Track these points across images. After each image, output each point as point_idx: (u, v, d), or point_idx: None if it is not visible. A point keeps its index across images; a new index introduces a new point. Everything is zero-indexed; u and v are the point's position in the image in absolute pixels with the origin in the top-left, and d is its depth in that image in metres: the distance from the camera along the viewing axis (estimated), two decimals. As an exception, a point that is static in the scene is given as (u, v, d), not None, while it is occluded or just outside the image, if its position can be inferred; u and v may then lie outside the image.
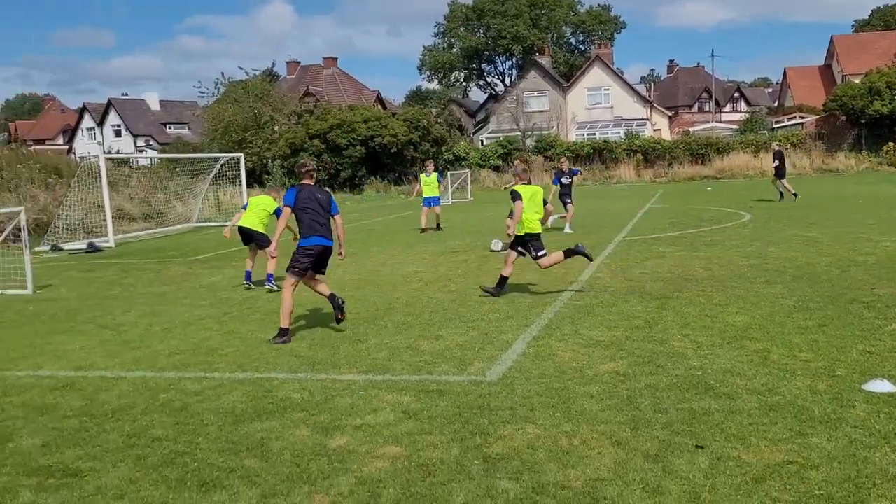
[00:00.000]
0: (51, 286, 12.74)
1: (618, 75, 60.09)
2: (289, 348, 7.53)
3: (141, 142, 72.55)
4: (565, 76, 64.84)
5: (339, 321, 8.23)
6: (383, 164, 42.34)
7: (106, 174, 19.99)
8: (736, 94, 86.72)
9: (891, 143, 40.13)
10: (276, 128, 44.24)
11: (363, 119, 41.55)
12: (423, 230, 19.17)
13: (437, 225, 19.80)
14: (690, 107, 79.55)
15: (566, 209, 17.54)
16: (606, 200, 28.12)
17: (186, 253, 17.48)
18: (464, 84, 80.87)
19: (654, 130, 56.17)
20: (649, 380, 5.88)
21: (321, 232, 8.04)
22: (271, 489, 4.28)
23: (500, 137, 50.34)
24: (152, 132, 74.01)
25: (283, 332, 7.85)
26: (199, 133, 54.62)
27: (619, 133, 51.17)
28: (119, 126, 74.70)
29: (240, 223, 11.75)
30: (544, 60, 61.58)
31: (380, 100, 64.07)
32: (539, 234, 9.96)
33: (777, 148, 24.68)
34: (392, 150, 41.45)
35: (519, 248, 9.97)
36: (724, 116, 74.20)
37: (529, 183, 10.16)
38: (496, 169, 44.38)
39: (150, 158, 42.72)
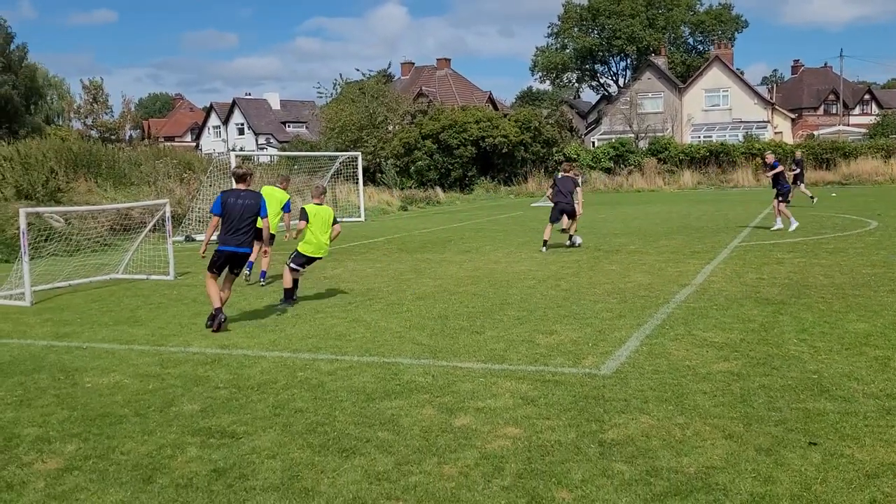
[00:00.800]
0: (190, 273, 13.79)
1: (737, 76, 58.33)
2: (410, 337, 8.01)
3: (262, 140, 75.84)
4: (682, 77, 63.40)
5: (208, 326, 8.66)
6: (493, 164, 42.76)
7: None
8: (866, 96, 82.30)
9: None
10: (391, 127, 45.40)
11: (475, 119, 42.09)
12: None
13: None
14: (815, 109, 76.17)
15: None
16: (723, 205, 27.53)
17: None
18: (576, 85, 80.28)
19: (776, 133, 54.18)
20: (763, 380, 6.00)
21: (239, 239, 8.73)
22: (404, 458, 4.72)
23: (612, 139, 49.83)
24: (273, 130, 77.27)
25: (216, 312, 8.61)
26: (317, 132, 56.67)
27: (737, 136, 49.69)
28: (242, 124, 78.37)
29: None
30: (660, 61, 60.47)
31: (491, 100, 64.55)
32: (320, 258, 10.46)
33: (799, 156, 28.04)
34: (503, 151, 41.81)
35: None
36: (853, 119, 70.68)
37: (321, 204, 10.37)
38: (608, 171, 43.98)
39: (271, 156, 44.77)
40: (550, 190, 15.88)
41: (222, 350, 7.74)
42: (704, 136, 52.65)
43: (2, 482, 4.59)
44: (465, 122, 41.82)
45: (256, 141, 75.52)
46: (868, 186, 36.67)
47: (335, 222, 10.44)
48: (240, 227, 8.77)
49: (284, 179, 13.10)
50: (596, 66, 76.64)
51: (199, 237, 20.63)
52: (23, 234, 11.16)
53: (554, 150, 44.70)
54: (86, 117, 50.61)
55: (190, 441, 5.16)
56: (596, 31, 72.02)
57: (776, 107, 58.62)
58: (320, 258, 10.69)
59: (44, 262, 14.12)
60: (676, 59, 68.82)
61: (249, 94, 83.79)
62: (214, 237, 8.96)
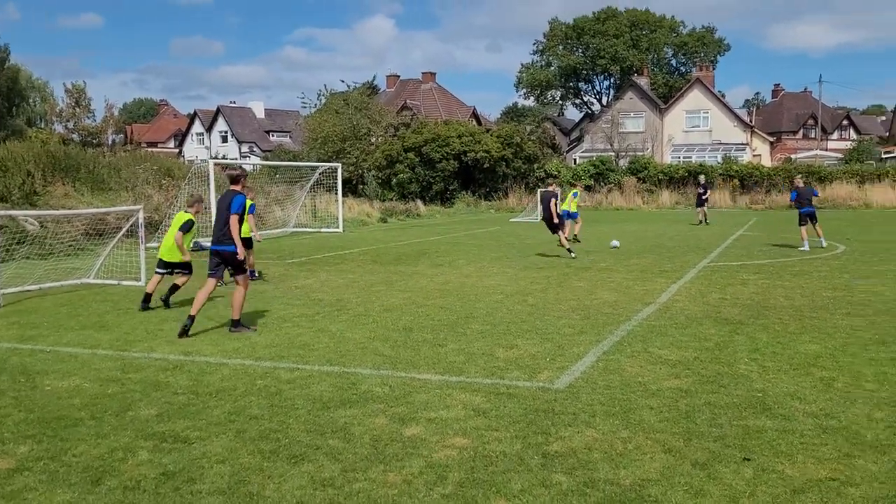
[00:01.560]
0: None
1: (718, 98, 59.10)
2: (373, 348, 8.13)
3: (245, 148, 75.80)
4: (663, 98, 64.15)
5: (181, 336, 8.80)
6: (475, 178, 43.03)
7: (214, 178, 21.31)
8: (845, 122, 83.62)
9: None
10: (374, 139, 45.59)
11: (457, 134, 42.38)
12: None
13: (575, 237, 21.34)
14: (795, 133, 77.25)
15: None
16: (698, 226, 27.87)
17: (283, 255, 18.49)
18: (560, 102, 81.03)
19: (754, 156, 54.90)
20: (710, 397, 6.17)
21: (216, 236, 8.97)
22: (351, 465, 4.83)
23: (593, 157, 50.30)
24: (256, 139, 77.23)
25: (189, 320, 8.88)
26: (300, 142, 56.74)
27: (716, 157, 50.32)
28: (226, 132, 78.29)
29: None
30: (643, 81, 61.18)
31: (475, 115, 64.94)
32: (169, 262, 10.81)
33: (703, 181, 30.40)
34: (484, 166, 42.10)
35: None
36: (831, 144, 71.78)
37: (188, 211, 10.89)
38: (588, 188, 44.41)
39: (254, 165, 44.78)
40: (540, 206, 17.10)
41: (185, 357, 7.81)
42: (684, 157, 53.26)
43: (-48, 481, 4.65)
44: (447, 136, 42.09)
45: (240, 149, 75.46)
46: (842, 211, 37.24)
47: (183, 229, 10.76)
48: (218, 226, 8.96)
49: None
50: (580, 85, 77.41)
51: (205, 242, 20.57)
52: (-7, 236, 11.18)
53: (535, 166, 45.07)
54: (67, 121, 50.37)
55: (142, 445, 5.24)
56: (580, 50, 72.83)
57: (755, 130, 59.43)
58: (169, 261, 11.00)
59: (15, 265, 14.10)
60: (659, 79, 69.66)
61: (234, 102, 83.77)
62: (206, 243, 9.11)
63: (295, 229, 26.88)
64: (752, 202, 41.55)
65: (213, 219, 9.24)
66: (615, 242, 19.24)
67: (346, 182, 35.74)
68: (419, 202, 39.26)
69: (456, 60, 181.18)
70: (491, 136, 43.82)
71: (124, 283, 13.38)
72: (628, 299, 11.10)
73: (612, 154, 50.53)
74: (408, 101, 60.50)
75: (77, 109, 50.00)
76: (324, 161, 37.10)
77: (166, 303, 10.92)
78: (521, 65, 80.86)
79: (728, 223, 28.74)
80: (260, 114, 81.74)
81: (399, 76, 69.92)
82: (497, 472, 4.70)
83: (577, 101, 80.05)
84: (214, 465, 4.86)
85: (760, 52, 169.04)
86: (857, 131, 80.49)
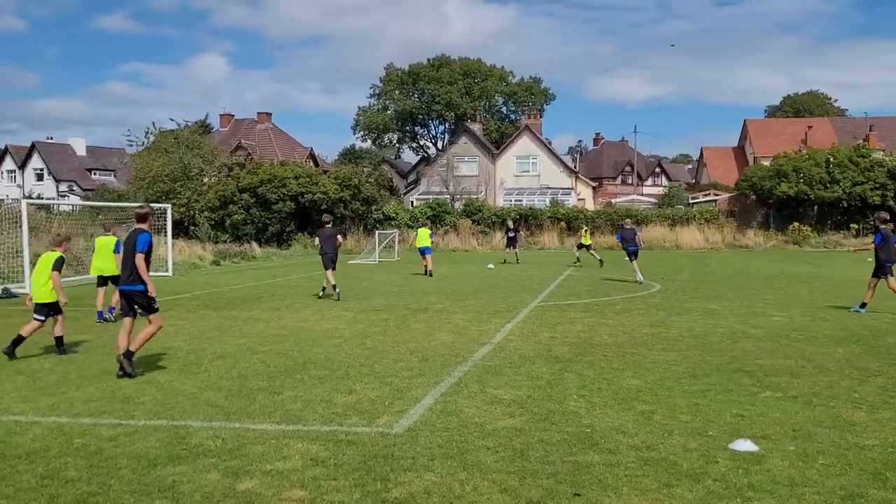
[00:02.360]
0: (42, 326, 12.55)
1: (545, 145, 62.29)
2: (205, 398, 7.77)
3: (64, 187, 70.97)
4: (496, 143, 66.80)
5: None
6: (312, 220, 42.63)
7: (27, 219, 19.75)
8: (657, 169, 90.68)
9: (795, 223, 42.68)
10: (206, 179, 44.14)
11: (294, 175, 41.93)
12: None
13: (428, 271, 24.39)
14: (614, 178, 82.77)
15: None
16: (529, 266, 29.03)
17: (106, 302, 17.32)
18: (396, 145, 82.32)
19: (579, 200, 58.17)
20: (542, 435, 6.39)
21: (123, 276, 9.08)
22: (180, 527, 4.57)
23: (429, 199, 51.35)
24: (76, 177, 72.59)
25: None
26: (126, 181, 53.91)
27: (544, 201, 52.86)
28: (42, 170, 73.10)
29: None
30: (475, 127, 63.43)
31: (312, 157, 64.58)
32: (43, 303, 10.31)
33: (511, 224, 33.98)
34: (322, 207, 41.85)
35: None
36: (646, 190, 77.41)
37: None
38: (424, 230, 45.22)
39: (73, 205, 41.99)
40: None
41: (-10, 416, 7.11)
42: (515, 200, 55.53)
43: None
44: (284, 176, 41.54)
45: (57, 188, 70.61)
46: (657, 252, 40.16)
47: (56, 267, 10.36)
48: (125, 264, 9.03)
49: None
50: (416, 129, 79.10)
51: (16, 289, 18.82)
52: None
53: (373, 208, 45.32)
54: None
55: (-63, 519, 4.69)
56: (416, 95, 74.56)
57: (579, 175, 63.06)
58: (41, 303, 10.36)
59: None
60: (491, 126, 72.53)
61: (52, 138, 78.42)
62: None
63: (119, 273, 25.33)
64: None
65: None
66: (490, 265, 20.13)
67: (176, 223, 34.28)
68: (254, 244, 38.31)
69: (291, 101, 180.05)
70: (329, 177, 43.71)
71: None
72: (465, 340, 11.34)
73: (448, 197, 51.81)
74: (242, 140, 59.26)
75: None
76: (152, 201, 35.46)
77: (10, 352, 10.06)
78: (359, 108, 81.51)
79: (556, 264, 30.17)
80: (81, 151, 77.02)
81: (233, 115, 68.42)
82: (336, 523, 4.61)
83: (414, 145, 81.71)
84: (23, 537, 4.43)
85: (582, 103, 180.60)
86: (668, 178, 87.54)
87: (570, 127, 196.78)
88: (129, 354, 8.89)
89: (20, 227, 19.71)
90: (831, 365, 9.29)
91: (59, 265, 10.39)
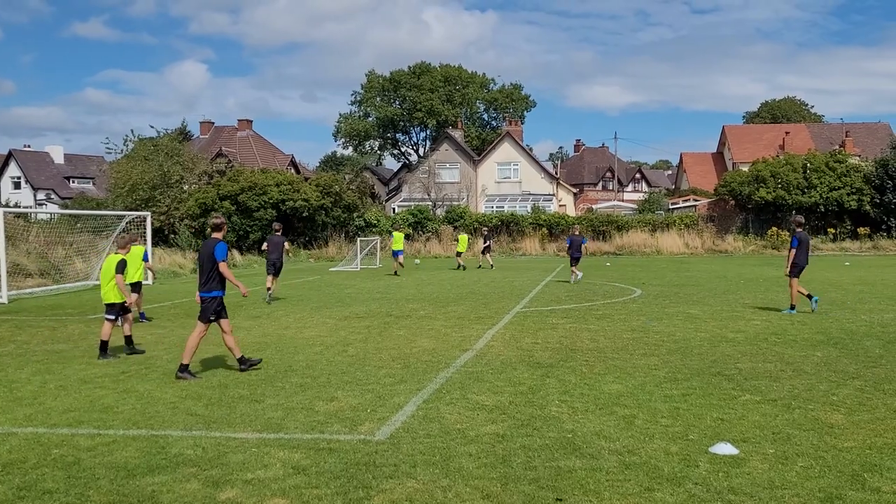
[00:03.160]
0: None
1: (526, 152, 62.49)
2: (185, 407, 7.71)
3: (42, 195, 70.31)
4: (477, 150, 66.92)
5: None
6: (294, 227, 42.46)
7: (3, 228, 19.53)
8: (638, 175, 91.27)
9: (774, 228, 43.07)
10: (186, 187, 43.84)
11: (275, 182, 41.76)
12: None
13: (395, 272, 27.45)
14: (595, 185, 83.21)
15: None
16: (511, 272, 29.08)
17: (85, 311, 17.20)
18: (378, 152, 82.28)
19: (560, 206, 58.40)
20: (525, 441, 6.39)
21: (202, 283, 9.57)
22: (160, 537, 4.52)
23: (411, 206, 51.33)
24: (54, 185, 71.92)
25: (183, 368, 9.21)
26: (105, 189, 53.47)
27: (526, 207, 53.03)
28: (19, 178, 72.33)
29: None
30: (457, 134, 63.54)
31: (294, 164, 64.38)
32: (111, 304, 11.03)
33: (486, 231, 35.30)
34: (304, 215, 41.71)
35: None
36: (627, 196, 77.89)
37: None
38: (407, 237, 45.13)
39: (51, 213, 41.58)
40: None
41: (-34, 428, 7.01)
42: (497, 206, 55.67)
43: None
44: (265, 184, 41.36)
45: (35, 196, 69.89)
46: (637, 257, 40.38)
47: (119, 270, 10.99)
48: (201, 273, 9.61)
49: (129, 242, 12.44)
50: (397, 136, 79.11)
51: None
52: None
53: (355, 215, 45.22)
54: None
55: (-90, 533, 4.62)
56: (397, 102, 74.63)
57: (560, 182, 63.33)
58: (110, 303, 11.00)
59: None
60: (472, 132, 72.69)
61: (29, 146, 77.67)
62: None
63: (98, 282, 25.10)
64: (560, 249, 44.01)
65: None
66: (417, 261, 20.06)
67: (156, 232, 34.04)
68: (235, 252, 38.08)
69: (272, 108, 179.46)
70: (310, 184, 43.56)
71: None
72: (447, 346, 11.33)
73: (430, 203, 51.82)
74: (223, 148, 58.94)
75: None
76: (131, 209, 35.21)
77: (104, 355, 10.68)
78: (340, 114, 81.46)
79: (538, 269, 30.24)
80: (59, 159, 76.28)
81: (213, 123, 68.04)
82: (317, 531, 4.58)
83: (395, 152, 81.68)
84: (-1, 550, 4.37)
85: (562, 110, 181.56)
86: (648, 184, 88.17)
87: (551, 133, 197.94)
88: (184, 368, 9.27)
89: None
90: (810, 368, 9.37)
91: (121, 267, 10.99)
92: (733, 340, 11.62)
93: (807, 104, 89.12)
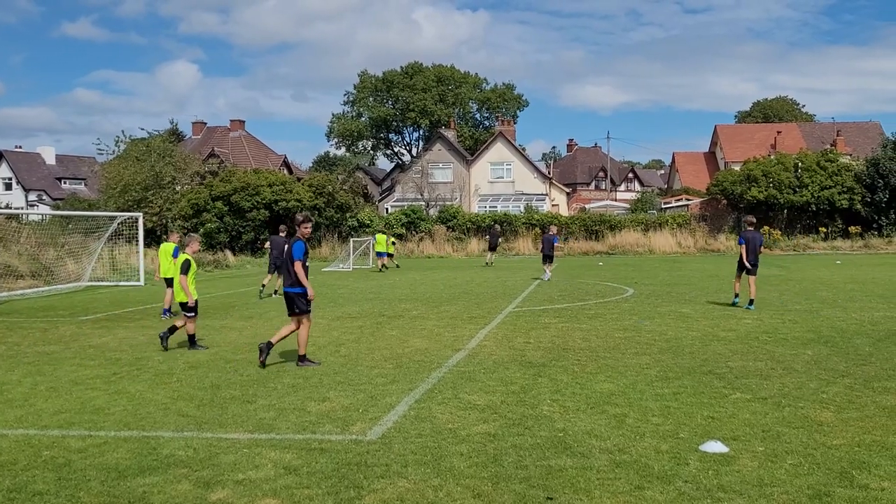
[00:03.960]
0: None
1: (519, 152, 62.55)
2: (177, 408, 7.71)
3: (33, 196, 70.05)
4: (470, 150, 66.97)
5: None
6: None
7: (-5, 229, 19.47)
8: (630, 175, 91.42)
9: (766, 227, 43.22)
10: (179, 188, 43.76)
11: (268, 183, 41.72)
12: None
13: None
14: (588, 184, 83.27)
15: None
16: (504, 272, 29.10)
17: (76, 312, 17.16)
18: (371, 152, 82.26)
19: (553, 206, 58.47)
20: (516, 440, 6.41)
21: (285, 280, 10.16)
22: (150, 538, 4.52)
23: (404, 206, 51.33)
24: (46, 187, 71.68)
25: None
26: (97, 190, 53.30)
27: (519, 207, 53.07)
28: (10, 179, 72.09)
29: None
30: (450, 134, 63.57)
31: (286, 164, 64.33)
32: (183, 302, 11.50)
33: (497, 230, 35.37)
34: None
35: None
36: (620, 195, 78.00)
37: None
38: (400, 237, 45.15)
39: (42, 214, 41.44)
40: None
41: (-44, 430, 6.99)
42: (490, 206, 55.72)
43: None
44: (258, 184, 41.32)
45: (26, 197, 69.66)
46: (630, 256, 40.47)
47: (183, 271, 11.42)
48: (286, 269, 10.09)
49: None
50: (390, 136, 79.14)
51: None
52: None
53: (348, 215, 45.21)
54: None
55: None
56: (390, 102, 74.62)
57: (553, 181, 63.42)
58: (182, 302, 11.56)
59: None
60: (465, 132, 72.75)
61: (20, 147, 77.37)
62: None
63: (91, 283, 25.05)
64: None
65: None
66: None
67: (148, 232, 33.98)
68: (228, 252, 38.03)
69: (262, 108, 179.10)
70: (303, 185, 43.54)
71: None
72: (439, 346, 11.34)
73: (423, 203, 51.83)
74: (216, 148, 58.84)
75: None
76: (123, 210, 35.12)
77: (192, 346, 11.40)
78: (333, 115, 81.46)
79: (532, 269, 30.26)
80: (50, 159, 76.06)
81: (206, 123, 67.95)
82: (308, 531, 4.59)
83: (388, 152, 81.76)
84: (-11, 552, 4.37)
85: (555, 110, 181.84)
86: (641, 183, 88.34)
87: (544, 133, 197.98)
88: (270, 345, 9.94)
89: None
90: (800, 366, 9.42)
91: (185, 268, 11.36)
92: (724, 339, 11.66)
93: (798, 103, 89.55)
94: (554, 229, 27.85)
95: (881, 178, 42.16)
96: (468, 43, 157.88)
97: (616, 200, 67.99)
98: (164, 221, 40.49)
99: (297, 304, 9.98)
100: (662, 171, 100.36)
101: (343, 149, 80.00)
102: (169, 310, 15.54)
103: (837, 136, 59.41)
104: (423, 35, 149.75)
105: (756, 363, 9.67)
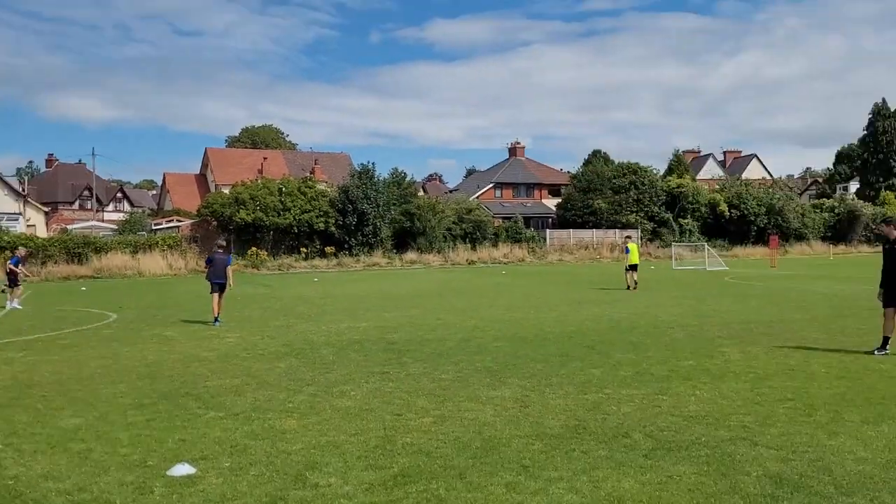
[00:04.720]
0: None
1: (-16, 164, 54.77)
2: None
3: None
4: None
5: None
6: None
7: None
8: (119, 195, 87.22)
9: (254, 248, 45.25)
10: None
11: None
12: None
13: None
14: (71, 203, 77.03)
15: None
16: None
17: None
18: None
19: (29, 226, 52.50)
20: (-48, 498, 5.53)
21: None
22: None
23: None
24: None
25: None
26: None
27: (-15, 227, 46.34)
28: None
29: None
30: None
31: None
32: None
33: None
34: None
35: None
36: (108, 216, 73.71)
37: None
38: None
39: None
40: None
41: None
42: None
43: None
44: None
45: None
46: (118, 280, 38.47)
47: None
48: None
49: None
50: None
51: None
52: None
53: None
54: None
55: None
56: None
57: (29, 199, 56.97)
58: None
59: None
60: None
61: None
62: None
63: None
64: (29, 273, 39.50)
65: None
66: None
67: None
68: None
69: None
70: None
71: None
72: None
73: None
74: None
75: None
76: None
77: None
78: None
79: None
80: None
81: None
82: None
83: None
84: None
85: (33, 120, 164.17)
86: (131, 203, 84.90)
87: (19, 146, 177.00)
88: None
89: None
90: (273, 379, 10.02)
91: None
92: (205, 359, 11.81)
93: (283, 132, 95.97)
94: (22, 251, 25.08)
95: (350, 204, 47.48)
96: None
97: (103, 221, 63.98)
98: None
99: None
100: (154, 192, 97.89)
101: None
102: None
103: (315, 164, 65.22)
104: None
105: (233, 380, 9.99)
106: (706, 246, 44.05)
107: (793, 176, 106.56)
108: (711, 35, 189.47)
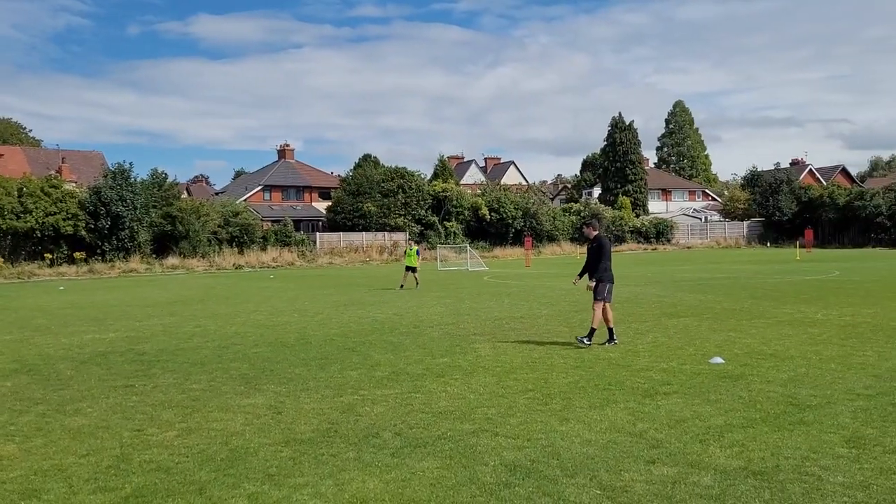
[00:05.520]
0: None
1: None
2: None
3: None
4: None
5: None
6: None
7: None
8: None
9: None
10: None
11: None
12: None
13: None
14: None
15: None
16: None
17: None
18: None
19: None
20: None
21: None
22: None
23: None
24: None
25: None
26: None
27: None
28: None
29: None
30: None
31: None
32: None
33: None
34: None
35: None
36: None
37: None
38: None
39: None
40: None
41: None
42: None
43: None
44: None
45: None
46: None
47: None
48: None
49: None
50: None
51: None
52: None
53: None
54: None
55: None
56: None
57: None
58: None
59: None
60: None
61: None
62: None
63: None
64: None
65: None
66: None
67: None
68: None
69: None
70: None
71: None
72: None
73: None
74: None
75: None
76: None
77: None
78: None
79: None
80: None
81: None
82: None
83: None
84: None
85: None
86: None
87: None
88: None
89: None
90: (-6, 401, 8.98)
91: None
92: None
93: (25, 127, 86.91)
94: None
95: (104, 206, 43.99)
96: None
97: None
98: None
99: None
100: None
101: None
102: None
103: (63, 163, 59.64)
104: None
105: (-56, 405, 8.80)
106: (468, 248, 46.16)
107: (546, 182, 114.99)
108: (474, 48, 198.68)
